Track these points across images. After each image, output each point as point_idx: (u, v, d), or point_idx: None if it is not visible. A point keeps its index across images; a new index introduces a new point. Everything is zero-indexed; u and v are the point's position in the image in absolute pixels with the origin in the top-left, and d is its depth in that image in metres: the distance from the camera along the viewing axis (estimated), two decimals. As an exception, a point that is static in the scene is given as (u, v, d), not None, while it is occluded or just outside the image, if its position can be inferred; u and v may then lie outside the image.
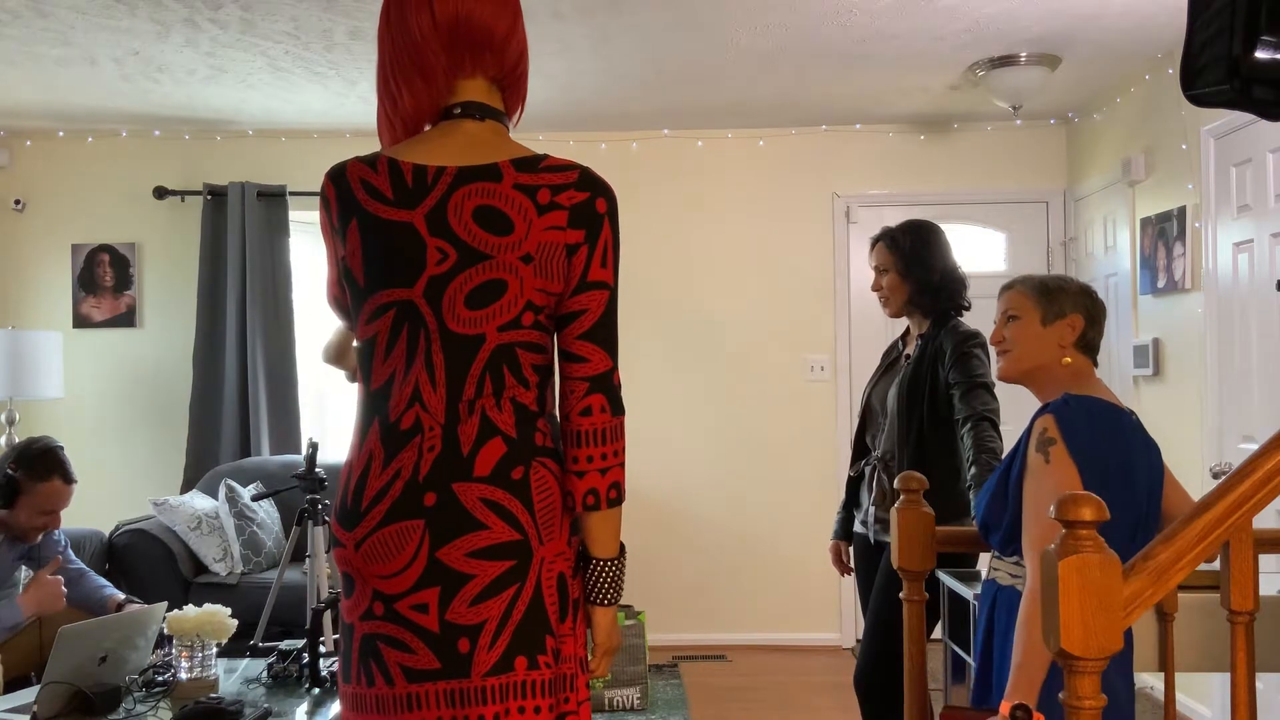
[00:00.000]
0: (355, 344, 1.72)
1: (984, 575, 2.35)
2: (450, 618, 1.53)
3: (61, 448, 3.35)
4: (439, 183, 1.58)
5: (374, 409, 1.62)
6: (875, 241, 3.20)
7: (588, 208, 1.59)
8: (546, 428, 1.62)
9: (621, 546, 1.65)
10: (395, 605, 1.55)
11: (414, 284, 1.57)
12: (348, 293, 1.66)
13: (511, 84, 1.71)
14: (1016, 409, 5.24)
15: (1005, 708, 1.90)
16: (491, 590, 1.53)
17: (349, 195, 1.62)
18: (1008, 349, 2.30)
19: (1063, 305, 2.26)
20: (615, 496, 1.60)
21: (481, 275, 1.56)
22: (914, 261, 3.10)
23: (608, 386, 1.60)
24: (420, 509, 1.53)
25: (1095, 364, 2.29)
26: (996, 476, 2.25)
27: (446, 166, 1.59)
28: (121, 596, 3.44)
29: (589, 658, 1.67)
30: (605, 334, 1.61)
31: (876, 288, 3.17)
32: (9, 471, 3.23)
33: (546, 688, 1.56)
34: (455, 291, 1.56)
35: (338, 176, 1.64)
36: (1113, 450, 2.10)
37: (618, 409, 1.61)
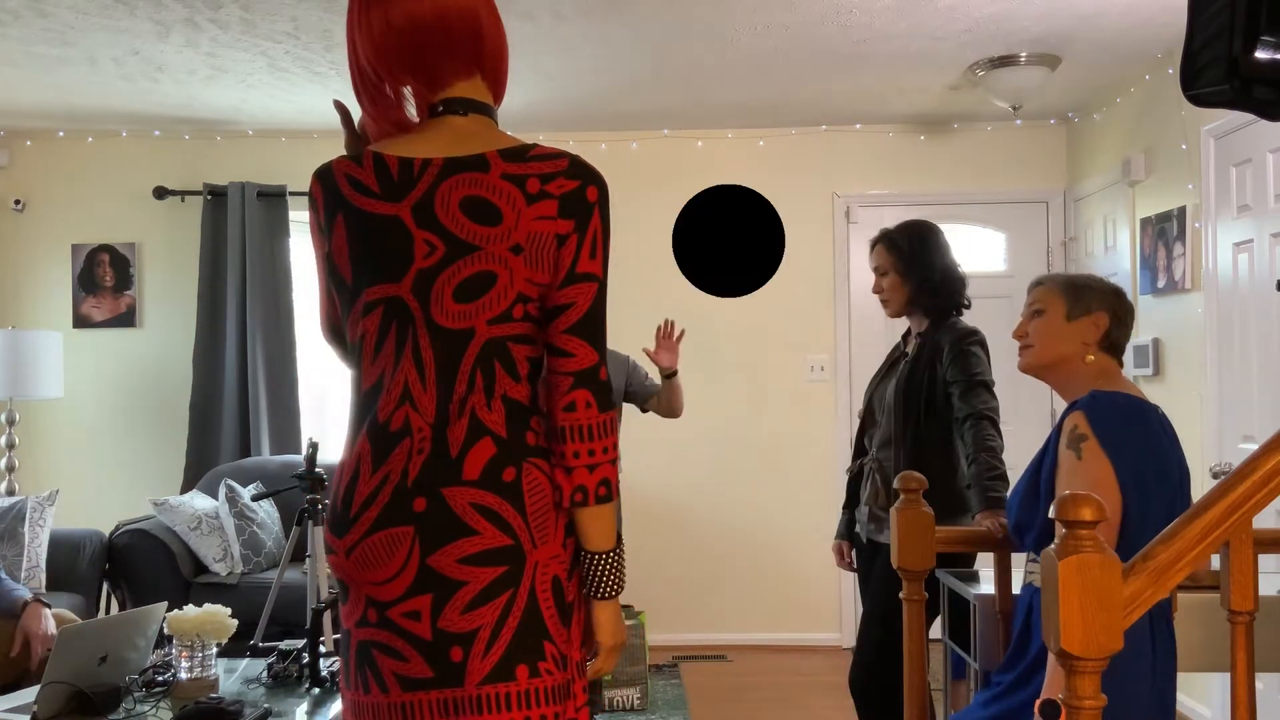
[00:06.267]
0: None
1: (1022, 579, 2.33)
2: (443, 625, 1.50)
3: None
4: (425, 174, 1.56)
5: (365, 409, 1.59)
6: (874, 243, 3.20)
7: (578, 196, 1.55)
8: (540, 426, 1.58)
9: (618, 538, 1.61)
10: (388, 612, 1.53)
11: (401, 278, 1.55)
12: (335, 296, 1.64)
13: (493, 80, 1.68)
14: (1017, 409, 5.27)
15: (1039, 705, 1.90)
16: (484, 597, 1.50)
17: (335, 191, 1.60)
18: (1030, 344, 2.30)
19: (1089, 303, 2.25)
20: (605, 494, 1.55)
21: (470, 267, 1.53)
22: (914, 262, 3.10)
23: (594, 382, 1.55)
24: (410, 515, 1.50)
25: (1120, 364, 2.28)
26: (1026, 478, 2.24)
27: (433, 159, 1.57)
28: (29, 595, 3.33)
29: (588, 659, 1.64)
30: (592, 329, 1.56)
31: (877, 289, 3.18)
32: None
33: (553, 694, 1.53)
34: (443, 285, 1.53)
35: (324, 175, 1.63)
36: (1144, 444, 2.09)
37: (605, 405, 1.55)
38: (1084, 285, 2.28)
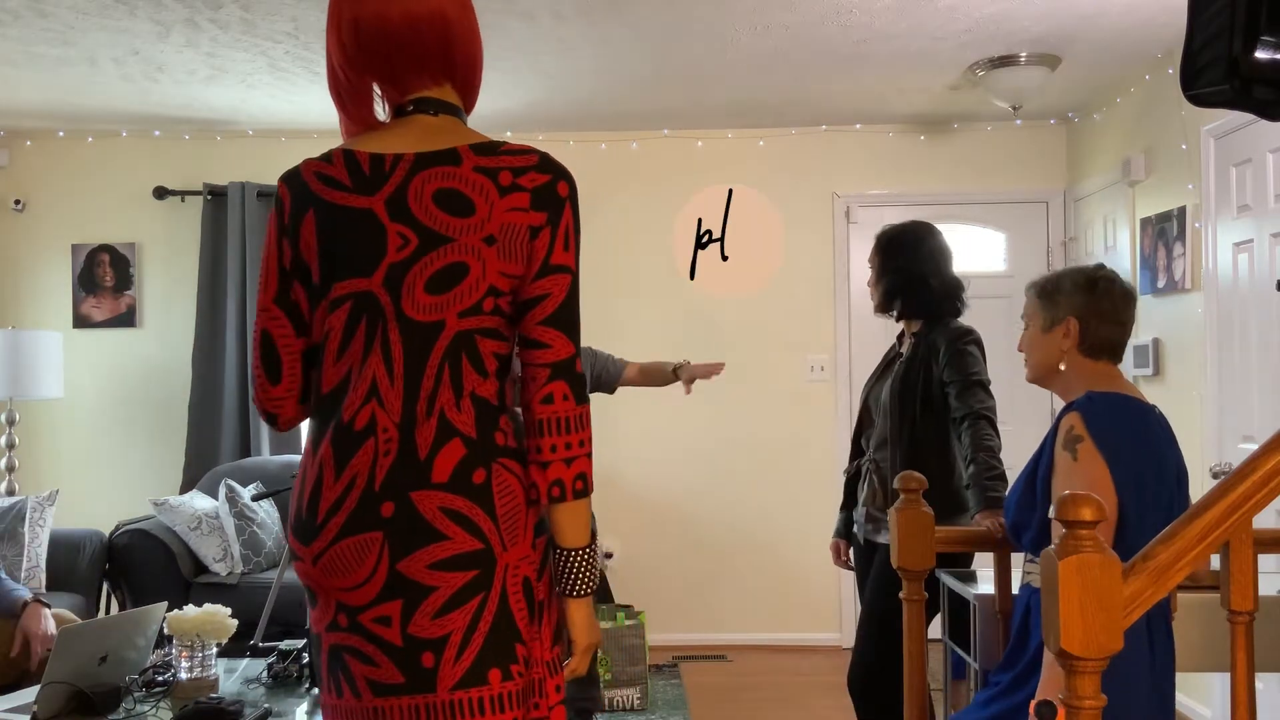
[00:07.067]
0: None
1: (1020, 579, 2.34)
2: (413, 631, 1.49)
3: None
4: (397, 169, 1.56)
5: (327, 413, 1.57)
6: None
7: (550, 190, 1.56)
8: (508, 426, 1.57)
9: (592, 535, 1.60)
10: (358, 617, 1.52)
11: (373, 273, 1.54)
12: (302, 295, 1.61)
13: (464, 89, 1.68)
14: (1016, 409, 5.26)
15: (1034, 706, 1.90)
16: (455, 602, 1.48)
17: (303, 189, 1.59)
18: (1025, 357, 2.33)
19: (1057, 310, 2.25)
20: (581, 488, 1.54)
21: (442, 259, 1.52)
22: (888, 263, 3.13)
23: (570, 374, 1.55)
24: (378, 520, 1.49)
25: (1115, 361, 2.26)
26: (1023, 478, 2.24)
27: (404, 153, 1.57)
28: (29, 595, 3.33)
29: (560, 658, 1.62)
30: (568, 320, 1.56)
31: (868, 283, 3.23)
32: None
33: (518, 698, 1.52)
34: (415, 277, 1.52)
35: (290, 177, 1.62)
36: (1141, 444, 2.09)
37: (581, 397, 1.55)
38: (1054, 290, 2.26)
